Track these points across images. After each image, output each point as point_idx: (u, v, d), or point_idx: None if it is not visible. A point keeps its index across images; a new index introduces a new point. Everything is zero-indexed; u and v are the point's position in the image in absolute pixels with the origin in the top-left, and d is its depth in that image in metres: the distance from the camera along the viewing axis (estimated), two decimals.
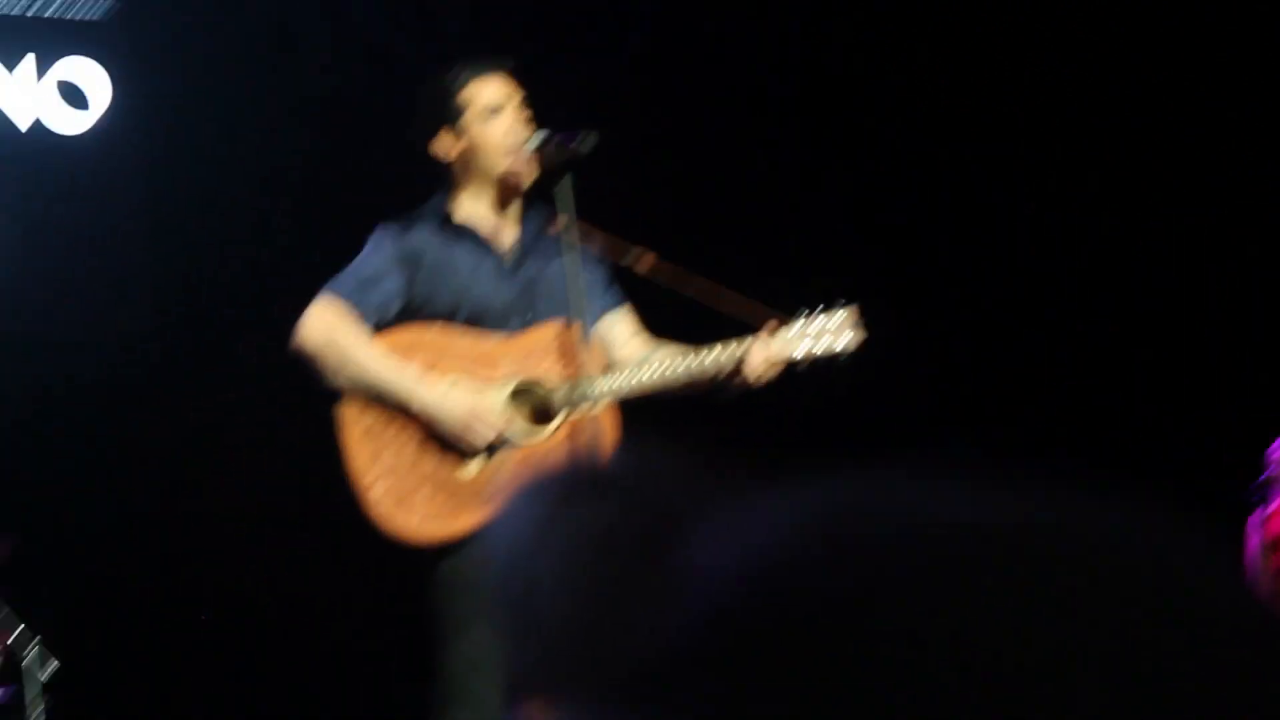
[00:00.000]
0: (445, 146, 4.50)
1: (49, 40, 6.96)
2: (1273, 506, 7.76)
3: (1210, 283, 7.43)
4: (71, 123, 6.94)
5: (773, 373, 4.41)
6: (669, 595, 0.77)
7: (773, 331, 4.43)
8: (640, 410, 4.44)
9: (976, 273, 7.40)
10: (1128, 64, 7.42)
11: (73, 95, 6.95)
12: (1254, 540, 7.74)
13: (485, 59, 4.54)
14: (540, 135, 4.42)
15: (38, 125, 6.88)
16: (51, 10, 6.96)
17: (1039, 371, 7.38)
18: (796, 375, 4.48)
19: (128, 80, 7.02)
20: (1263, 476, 7.60)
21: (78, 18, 6.99)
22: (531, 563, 0.94)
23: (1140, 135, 7.40)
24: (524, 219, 4.56)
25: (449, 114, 4.48)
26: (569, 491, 0.98)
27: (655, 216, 5.54)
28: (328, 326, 4.34)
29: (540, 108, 4.54)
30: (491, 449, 4.34)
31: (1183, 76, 7.36)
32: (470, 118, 4.46)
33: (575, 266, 4.32)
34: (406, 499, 4.31)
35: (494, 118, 4.46)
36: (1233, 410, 7.28)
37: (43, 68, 6.92)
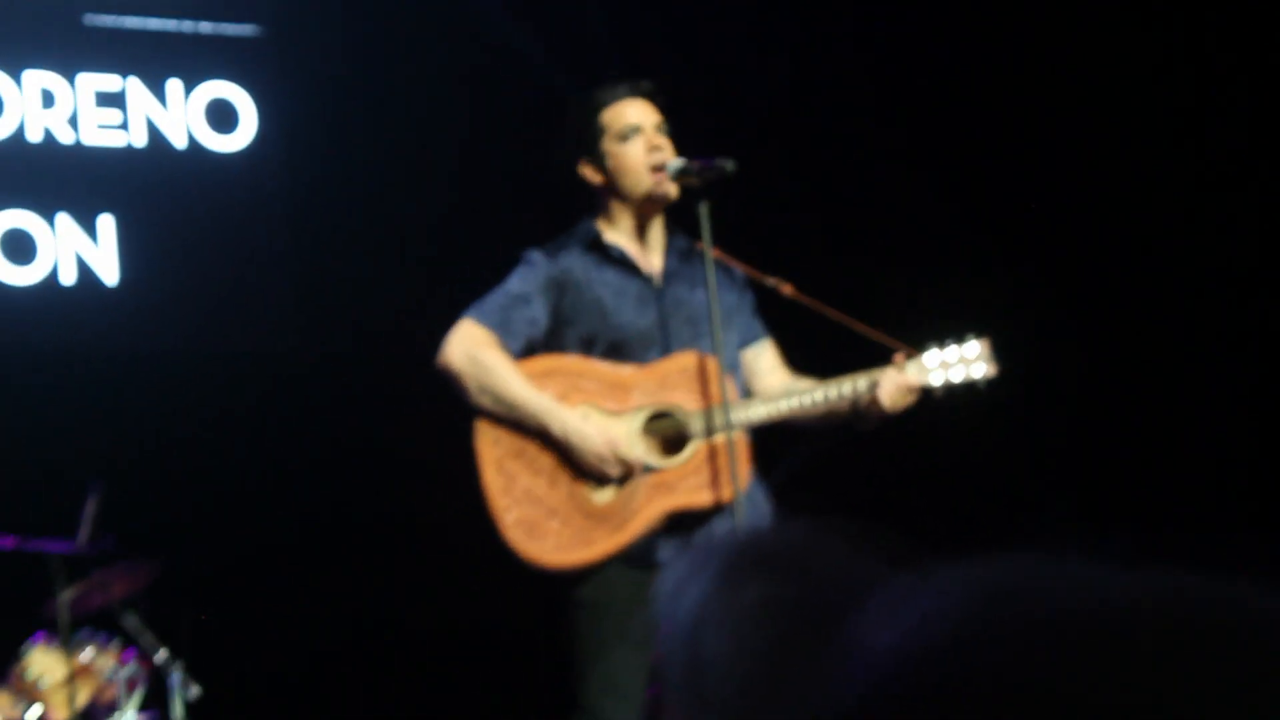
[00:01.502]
0: (589, 170, 4.57)
1: (195, 61, 7.09)
2: None
3: None
4: (221, 143, 7.06)
5: (908, 400, 4.43)
6: (836, 672, 0.78)
7: (904, 361, 4.45)
8: (802, 482, 4.47)
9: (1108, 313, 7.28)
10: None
11: (220, 117, 7.07)
12: None
13: (623, 82, 4.59)
14: (680, 161, 4.46)
15: (193, 143, 7.02)
16: (199, 28, 7.09)
17: (1200, 451, 7.17)
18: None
19: (273, 103, 7.12)
20: None
21: (225, 34, 7.13)
22: (701, 636, 0.95)
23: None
24: (669, 245, 4.61)
25: (589, 137, 4.55)
26: (739, 565, 0.99)
27: (793, 248, 5.56)
28: (471, 347, 4.41)
29: (680, 136, 4.58)
30: (624, 477, 4.38)
31: None
32: (609, 140, 4.52)
33: (715, 294, 4.35)
34: (539, 526, 4.35)
35: (632, 139, 4.50)
36: None
37: (190, 88, 7.05)
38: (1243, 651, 0.69)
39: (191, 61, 7.10)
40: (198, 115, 7.05)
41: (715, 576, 0.97)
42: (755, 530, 4.01)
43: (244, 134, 7.09)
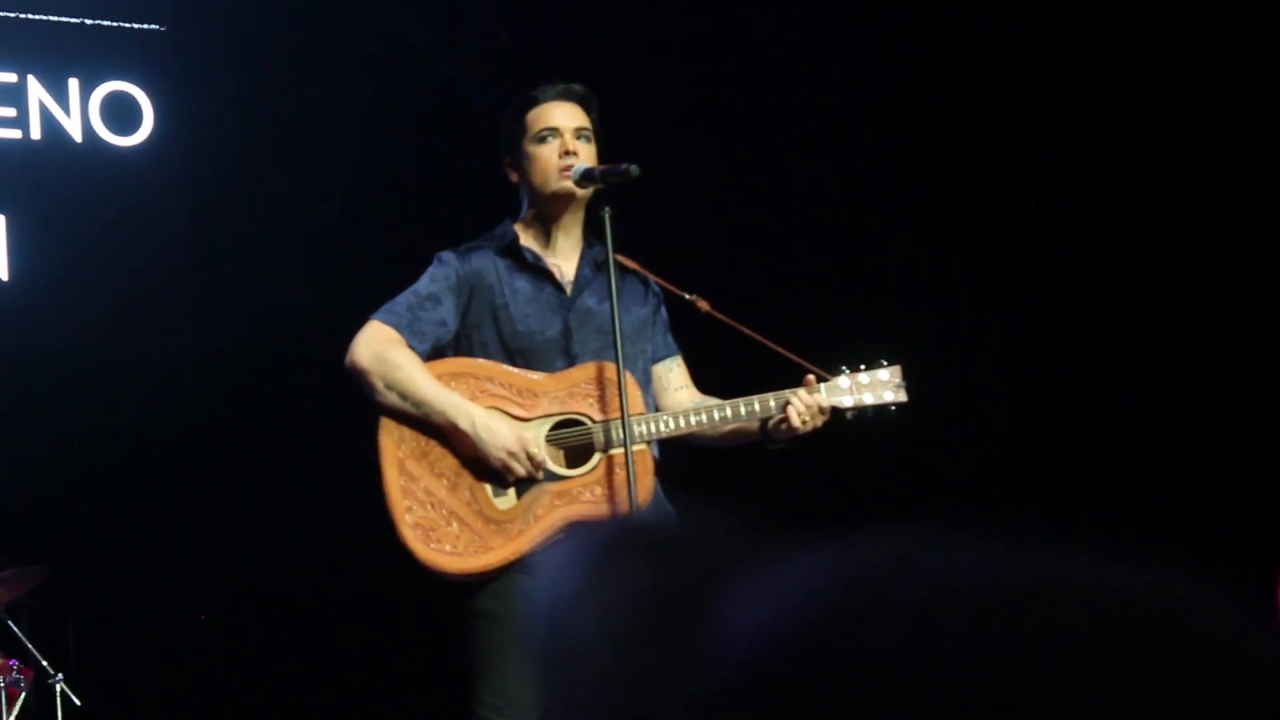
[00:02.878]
0: (510, 168, 4.57)
1: (95, 58, 7.01)
2: None
3: (1245, 336, 7.45)
4: (120, 139, 6.98)
5: (818, 421, 4.42)
6: (706, 655, 0.77)
7: (816, 382, 4.44)
8: (680, 466, 4.45)
9: (1016, 337, 7.41)
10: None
11: (119, 114, 6.99)
12: None
13: (554, 84, 4.56)
14: (584, 165, 4.43)
15: (90, 139, 6.93)
16: (100, 24, 7.01)
17: (1070, 431, 7.38)
18: (843, 429, 4.50)
19: (172, 100, 7.06)
20: None
21: (125, 31, 7.05)
22: (571, 622, 0.93)
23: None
24: (585, 255, 4.57)
25: (513, 136, 4.55)
26: (610, 551, 0.97)
27: (712, 266, 5.55)
28: (378, 346, 4.35)
29: (608, 146, 4.56)
30: (524, 484, 4.32)
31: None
32: (527, 140, 4.51)
33: (616, 300, 4.32)
34: (437, 530, 4.30)
35: (549, 140, 4.48)
36: (1267, 460, 7.28)
37: (89, 85, 6.96)
38: (1124, 631, 0.69)
39: (91, 58, 7.04)
40: (96, 111, 6.95)
41: (589, 561, 0.95)
42: (631, 517, 4.00)
43: (143, 131, 7.01)
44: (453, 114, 6.00)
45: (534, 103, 4.54)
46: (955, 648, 0.69)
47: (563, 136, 4.49)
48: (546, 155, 4.48)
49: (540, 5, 7.15)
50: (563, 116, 4.52)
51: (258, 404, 6.64)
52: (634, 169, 4.36)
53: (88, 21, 7.02)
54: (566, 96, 4.56)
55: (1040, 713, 0.66)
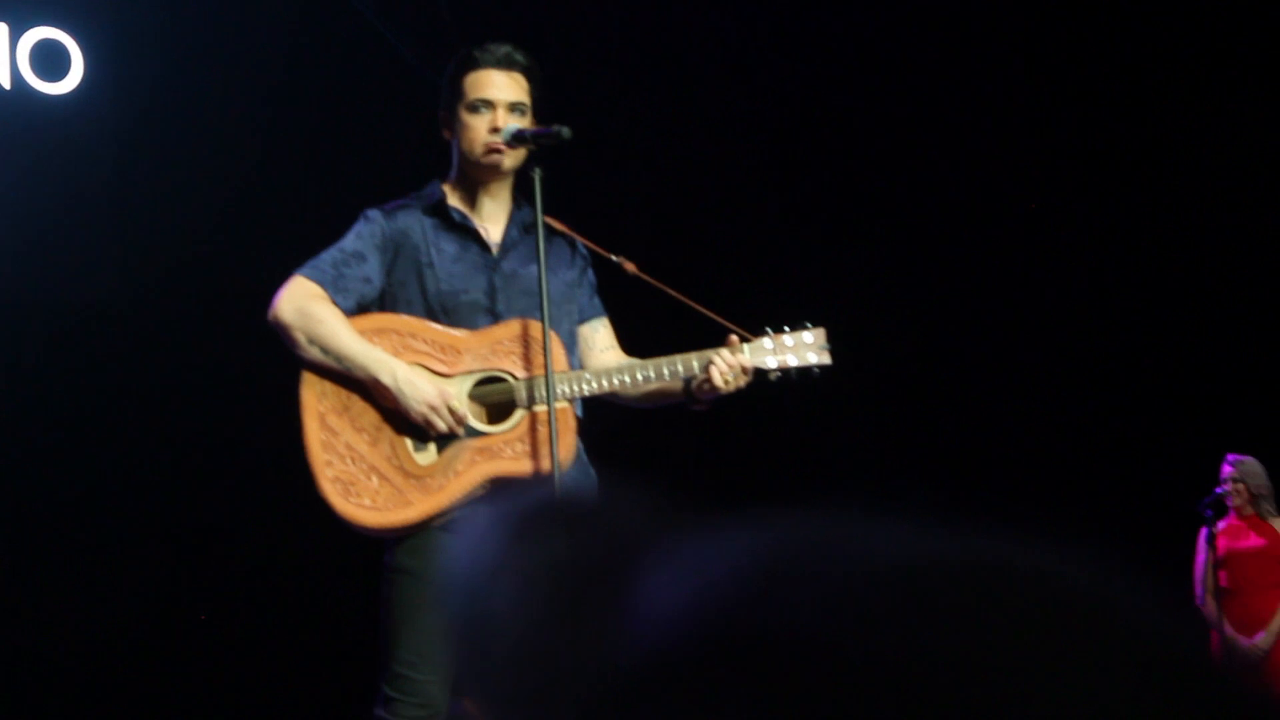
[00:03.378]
0: (445, 129, 4.55)
1: (24, 4, 6.94)
2: (1222, 524, 7.81)
3: (1152, 301, 7.58)
4: (48, 87, 6.91)
5: (741, 382, 4.43)
6: (621, 631, 0.77)
7: (739, 343, 4.44)
8: (605, 431, 4.45)
9: (940, 303, 7.47)
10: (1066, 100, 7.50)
11: (48, 61, 6.92)
12: (1201, 557, 7.79)
13: (498, 49, 4.52)
14: (514, 126, 4.41)
15: (18, 86, 6.86)
16: None
17: (989, 411, 7.47)
18: (767, 391, 4.51)
19: (102, 48, 6.99)
20: (1216, 492, 7.68)
21: None
22: (489, 592, 0.93)
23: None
24: (513, 217, 4.56)
25: (450, 97, 4.52)
26: (530, 523, 0.97)
27: (639, 229, 5.55)
28: (301, 301, 4.33)
29: (546, 113, 4.54)
30: (444, 440, 4.30)
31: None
32: (461, 106, 4.47)
33: (544, 260, 4.30)
34: (357, 484, 4.29)
35: (481, 112, 4.45)
36: (1189, 428, 7.41)
37: (17, 31, 6.89)
38: (1038, 611, 0.70)
39: (20, 4, 6.93)
40: (25, 58, 6.88)
41: (509, 531, 0.96)
42: (551, 490, 4.01)
43: (72, 78, 6.94)
44: (384, 69, 5.95)
45: (474, 65, 4.50)
46: (871, 627, 0.69)
47: (496, 110, 4.46)
48: (477, 126, 4.45)
49: None
50: (499, 88, 4.48)
51: (179, 355, 6.60)
52: (565, 131, 4.34)
53: None
54: (507, 65, 4.51)
55: (956, 691, 0.66)
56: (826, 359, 4.58)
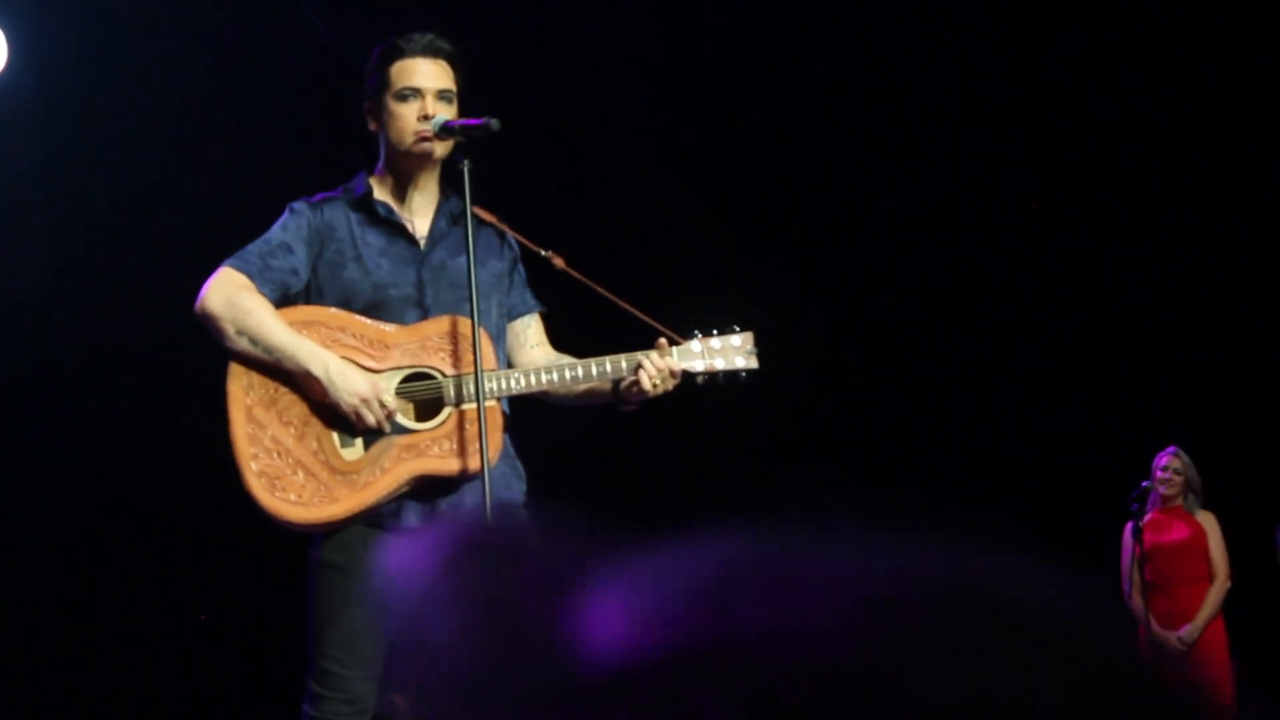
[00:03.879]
0: (370, 118, 4.52)
1: None
2: (1147, 518, 7.89)
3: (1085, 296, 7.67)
4: None
5: (669, 384, 4.43)
6: (565, 655, 0.78)
7: (667, 345, 4.44)
8: (533, 429, 4.46)
9: (865, 316, 7.52)
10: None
11: None
12: (1127, 552, 7.87)
13: (421, 39, 4.49)
14: (444, 117, 4.39)
15: None
16: None
17: (918, 410, 7.53)
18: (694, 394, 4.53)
19: (26, 33, 6.89)
20: (1143, 485, 7.77)
21: None
22: (425, 619, 0.94)
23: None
24: (441, 208, 4.54)
25: (376, 86, 4.49)
26: (465, 550, 0.97)
27: (568, 224, 5.55)
28: (229, 292, 4.30)
29: (468, 102, 4.52)
30: (372, 436, 4.28)
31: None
32: (389, 95, 4.45)
33: (473, 254, 4.29)
34: (283, 479, 4.26)
35: (410, 100, 4.43)
36: (1113, 424, 7.50)
37: None
38: (978, 619, 0.71)
39: None
40: None
41: (445, 557, 0.96)
42: (487, 513, 4.02)
43: None
44: (312, 56, 5.91)
45: (400, 54, 4.47)
46: (819, 641, 0.70)
47: (424, 98, 4.43)
48: (405, 115, 4.42)
49: None
50: (426, 76, 4.46)
51: (105, 346, 6.55)
52: (495, 123, 4.32)
53: None
54: (433, 53, 4.49)
55: (908, 699, 0.67)
56: (754, 363, 4.59)
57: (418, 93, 4.44)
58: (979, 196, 7.77)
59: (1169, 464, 7.78)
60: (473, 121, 4.36)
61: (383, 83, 4.46)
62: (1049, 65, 7.73)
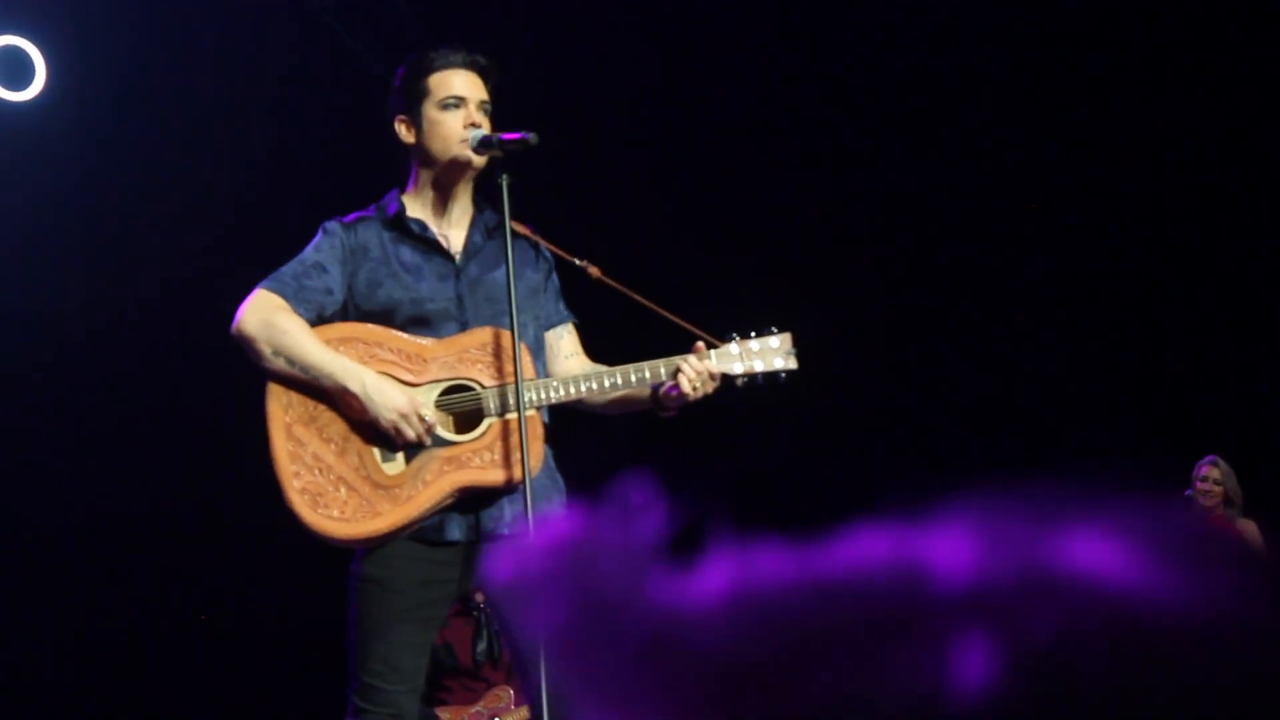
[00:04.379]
0: (404, 128, 4.52)
1: None
2: None
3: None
4: (10, 94, 6.88)
5: (709, 388, 4.43)
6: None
7: (706, 349, 4.44)
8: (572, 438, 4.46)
9: (904, 318, 7.50)
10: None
11: (10, 68, 6.88)
12: None
13: (459, 51, 4.51)
14: (482, 131, 4.41)
15: None
16: None
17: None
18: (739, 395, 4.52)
19: (65, 55, 6.95)
20: (1185, 494, 7.72)
21: None
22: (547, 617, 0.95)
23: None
24: (476, 221, 4.55)
25: (413, 97, 4.50)
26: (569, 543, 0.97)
27: (603, 233, 5.55)
28: (265, 313, 4.32)
29: (501, 116, 4.54)
30: (412, 450, 4.29)
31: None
32: (430, 104, 4.47)
33: (512, 267, 4.29)
34: (325, 495, 4.26)
35: (453, 109, 4.45)
36: (1156, 432, 7.45)
37: None
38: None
39: None
40: None
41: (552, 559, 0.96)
42: (530, 523, 4.04)
43: (35, 85, 6.90)
44: (348, 77, 5.94)
45: (439, 65, 4.49)
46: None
47: (468, 107, 4.45)
48: (451, 123, 4.44)
49: None
50: (468, 87, 4.49)
51: (144, 363, 6.59)
52: (533, 138, 4.33)
53: None
54: (472, 66, 4.52)
55: None
56: (793, 363, 4.58)
57: (462, 102, 4.46)
58: (1031, 198, 7.74)
59: (1208, 474, 7.71)
60: (511, 136, 4.38)
61: (421, 92, 4.48)
62: (1104, 59, 7.68)
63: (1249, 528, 7.87)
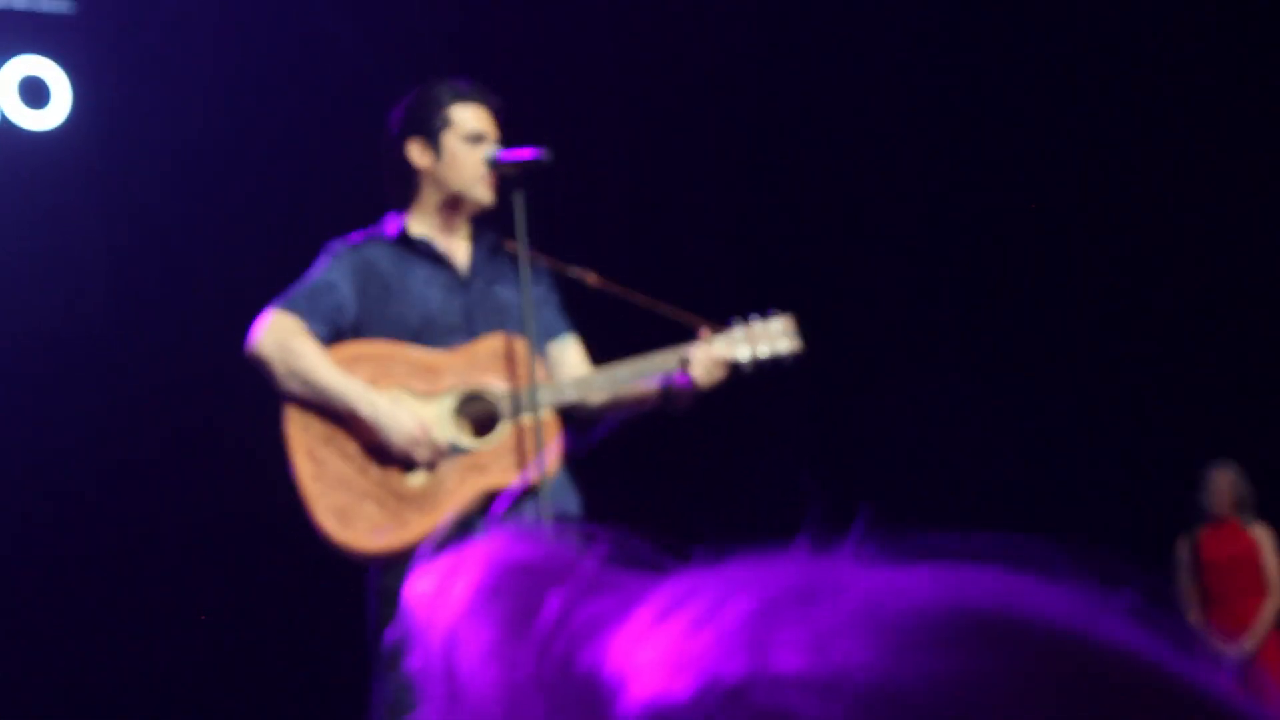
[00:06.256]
0: (418, 151, 4.58)
1: (7, 36, 6.93)
2: (1203, 532, 7.85)
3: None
4: (32, 120, 6.92)
5: (719, 374, 4.48)
6: (597, 695, 0.76)
7: (710, 336, 4.50)
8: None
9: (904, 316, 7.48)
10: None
11: (32, 94, 6.93)
12: (1182, 567, 7.85)
13: (478, 87, 4.60)
14: (493, 153, 4.49)
15: (2, 120, 6.88)
16: (13, 2, 6.94)
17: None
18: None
19: (87, 81, 6.99)
20: (1197, 498, 7.72)
21: (39, 9, 6.98)
22: (455, 655, 0.88)
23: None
24: (476, 238, 4.63)
25: (434, 124, 4.55)
26: (494, 578, 0.90)
27: (595, 238, 5.59)
28: (278, 334, 4.40)
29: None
30: (432, 463, 4.39)
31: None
32: (454, 136, 4.54)
33: (528, 281, 4.37)
34: (352, 511, 4.34)
35: (478, 145, 4.53)
36: (1165, 436, 7.42)
37: (0, 63, 6.90)
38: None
39: (3, 36, 6.93)
40: (9, 91, 6.89)
41: (469, 589, 0.90)
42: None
43: (57, 112, 6.95)
44: (372, 99, 6.01)
45: (463, 98, 4.58)
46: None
47: (488, 143, 4.54)
48: (473, 159, 4.52)
49: None
50: (489, 124, 4.58)
51: (166, 389, 6.65)
52: (546, 156, 4.42)
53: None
54: (490, 104, 4.61)
55: None
56: (797, 344, 4.62)
57: (485, 138, 4.55)
58: (1034, 199, 7.70)
59: (1219, 478, 7.69)
60: (525, 156, 4.46)
61: (444, 122, 4.54)
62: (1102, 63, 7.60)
63: (1262, 532, 7.83)
